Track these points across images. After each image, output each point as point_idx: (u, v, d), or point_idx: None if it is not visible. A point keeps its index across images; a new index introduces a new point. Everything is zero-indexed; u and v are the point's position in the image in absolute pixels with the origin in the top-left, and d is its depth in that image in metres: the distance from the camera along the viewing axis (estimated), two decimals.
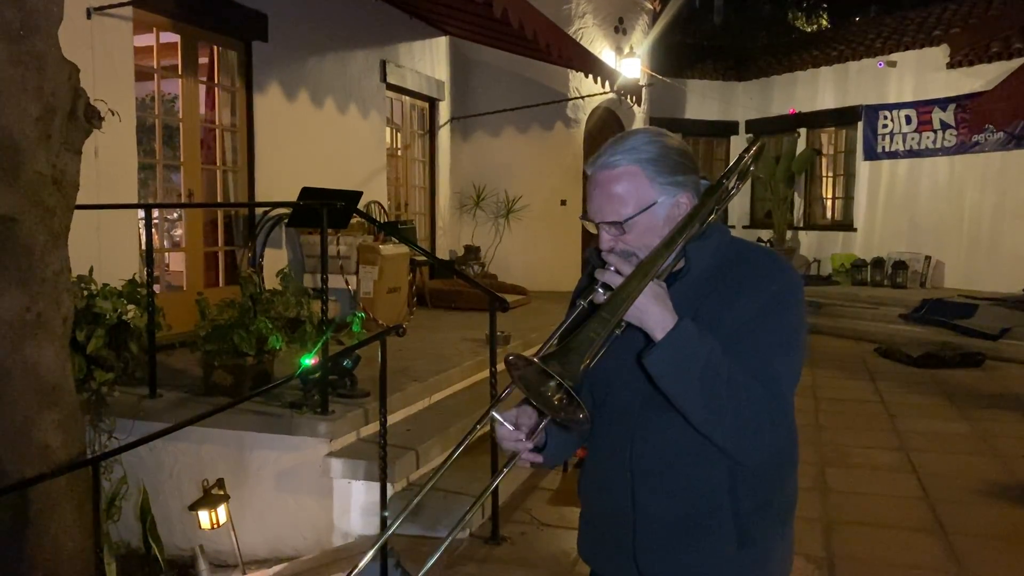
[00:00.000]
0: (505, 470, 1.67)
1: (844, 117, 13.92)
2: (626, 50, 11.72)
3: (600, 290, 1.52)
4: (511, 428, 1.62)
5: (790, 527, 1.74)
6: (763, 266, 1.64)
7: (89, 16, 5.35)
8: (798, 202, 14.74)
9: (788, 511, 1.73)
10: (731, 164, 1.75)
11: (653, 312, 1.49)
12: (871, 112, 13.40)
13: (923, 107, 12.62)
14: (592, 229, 1.66)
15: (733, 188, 1.70)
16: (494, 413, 1.63)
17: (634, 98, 11.25)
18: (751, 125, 15.30)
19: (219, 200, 7.01)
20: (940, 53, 12.38)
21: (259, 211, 7.09)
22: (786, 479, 1.71)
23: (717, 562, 1.64)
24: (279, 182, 7.04)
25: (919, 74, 12.72)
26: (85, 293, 4.41)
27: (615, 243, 1.61)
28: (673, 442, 1.62)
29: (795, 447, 1.73)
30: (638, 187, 1.60)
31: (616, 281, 1.50)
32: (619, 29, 11.77)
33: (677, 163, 1.62)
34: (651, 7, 12.63)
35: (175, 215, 8.19)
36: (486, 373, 4.68)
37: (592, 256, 1.68)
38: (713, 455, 1.58)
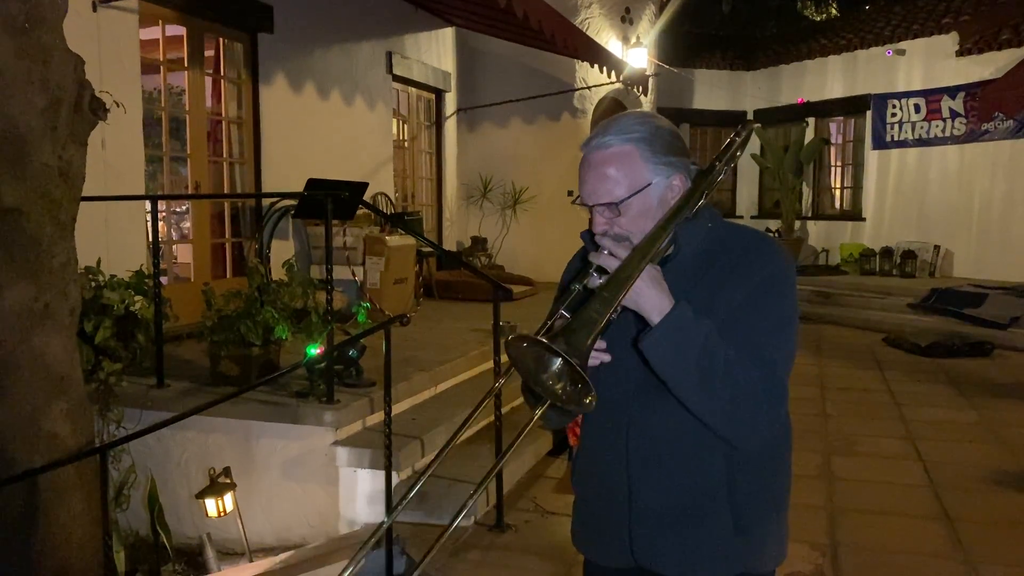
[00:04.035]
0: (528, 427, 1.62)
1: (853, 106, 13.84)
2: (633, 40, 11.68)
3: (595, 274, 1.51)
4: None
5: (785, 512, 1.75)
6: (755, 249, 1.62)
7: (95, 9, 5.37)
8: (806, 192, 14.67)
9: (783, 497, 1.73)
10: (723, 147, 1.75)
11: (650, 295, 1.48)
12: (880, 101, 13.31)
13: (932, 95, 12.53)
14: (585, 213, 1.65)
15: (722, 172, 1.68)
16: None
17: (641, 88, 11.22)
18: (759, 115, 15.21)
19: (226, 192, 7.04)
20: (949, 41, 12.28)
21: (266, 202, 7.12)
22: (781, 465, 1.71)
23: (713, 548, 1.64)
24: (285, 174, 7.07)
25: (928, 62, 12.62)
26: (93, 284, 4.44)
27: (609, 226, 1.60)
28: (670, 429, 1.61)
29: (789, 433, 1.73)
30: (632, 167, 1.58)
31: (612, 264, 1.48)
32: (626, 19, 11.73)
33: (670, 143, 1.61)
34: None
35: (183, 207, 8.23)
36: (491, 363, 4.70)
37: (586, 239, 1.66)
38: (710, 441, 1.58)
